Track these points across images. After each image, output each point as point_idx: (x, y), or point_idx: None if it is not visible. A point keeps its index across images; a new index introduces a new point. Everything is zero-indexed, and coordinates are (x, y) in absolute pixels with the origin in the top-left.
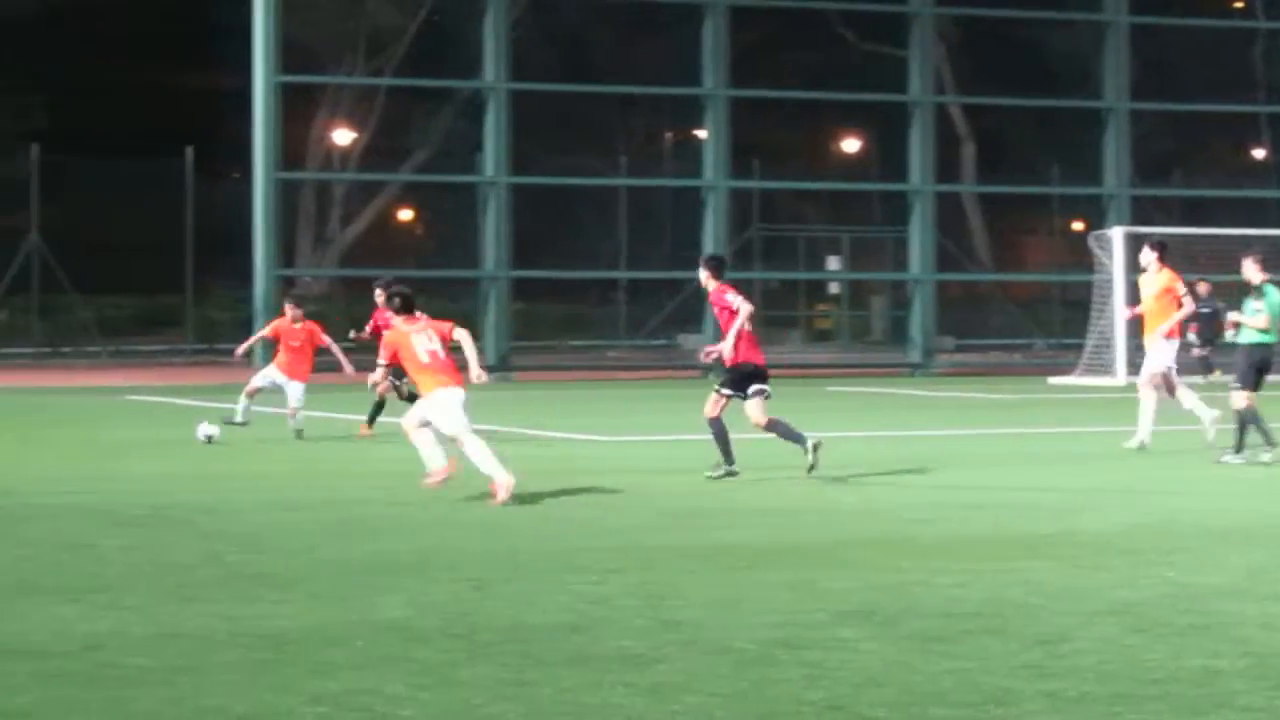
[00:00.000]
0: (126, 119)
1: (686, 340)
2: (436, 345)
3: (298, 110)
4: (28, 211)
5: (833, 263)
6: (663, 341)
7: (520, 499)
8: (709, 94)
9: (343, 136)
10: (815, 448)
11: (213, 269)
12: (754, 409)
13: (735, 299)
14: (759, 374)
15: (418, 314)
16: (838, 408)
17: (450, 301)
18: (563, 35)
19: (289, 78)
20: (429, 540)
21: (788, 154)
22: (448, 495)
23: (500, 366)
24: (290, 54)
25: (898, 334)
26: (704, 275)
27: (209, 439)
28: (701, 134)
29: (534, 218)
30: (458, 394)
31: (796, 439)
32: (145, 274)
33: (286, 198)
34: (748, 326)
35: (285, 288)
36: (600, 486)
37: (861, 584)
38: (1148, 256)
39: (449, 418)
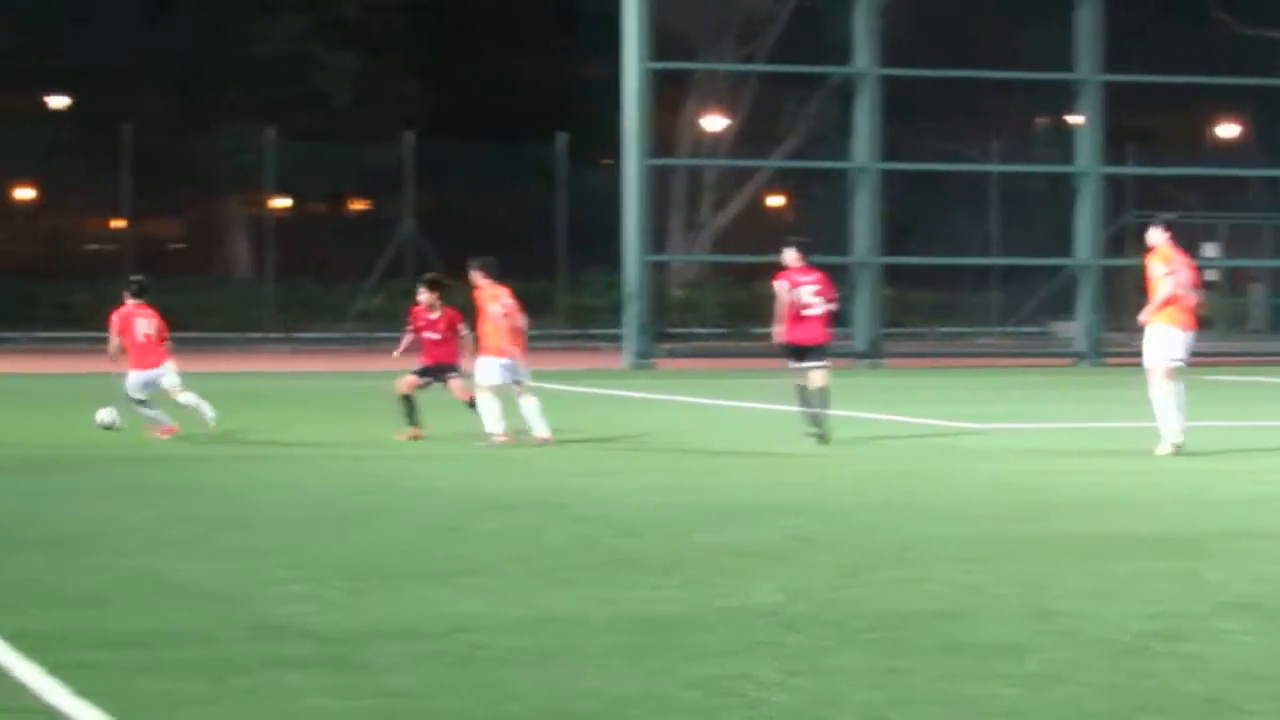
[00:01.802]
0: (499, 106)
1: (1060, 328)
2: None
3: (669, 97)
4: (403, 198)
5: (1209, 250)
6: (1035, 329)
7: (886, 486)
8: (1083, 79)
9: (714, 123)
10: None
11: (584, 255)
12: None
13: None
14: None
15: None
16: (1215, 397)
17: None
18: (934, 20)
19: (660, 64)
20: (797, 526)
21: (1164, 139)
22: (820, 482)
23: (871, 353)
24: (661, 40)
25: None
26: None
27: (108, 426)
28: (1076, 120)
29: (904, 203)
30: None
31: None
32: (519, 259)
33: (658, 184)
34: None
35: (655, 271)
36: (969, 474)
37: (1244, 575)
38: None
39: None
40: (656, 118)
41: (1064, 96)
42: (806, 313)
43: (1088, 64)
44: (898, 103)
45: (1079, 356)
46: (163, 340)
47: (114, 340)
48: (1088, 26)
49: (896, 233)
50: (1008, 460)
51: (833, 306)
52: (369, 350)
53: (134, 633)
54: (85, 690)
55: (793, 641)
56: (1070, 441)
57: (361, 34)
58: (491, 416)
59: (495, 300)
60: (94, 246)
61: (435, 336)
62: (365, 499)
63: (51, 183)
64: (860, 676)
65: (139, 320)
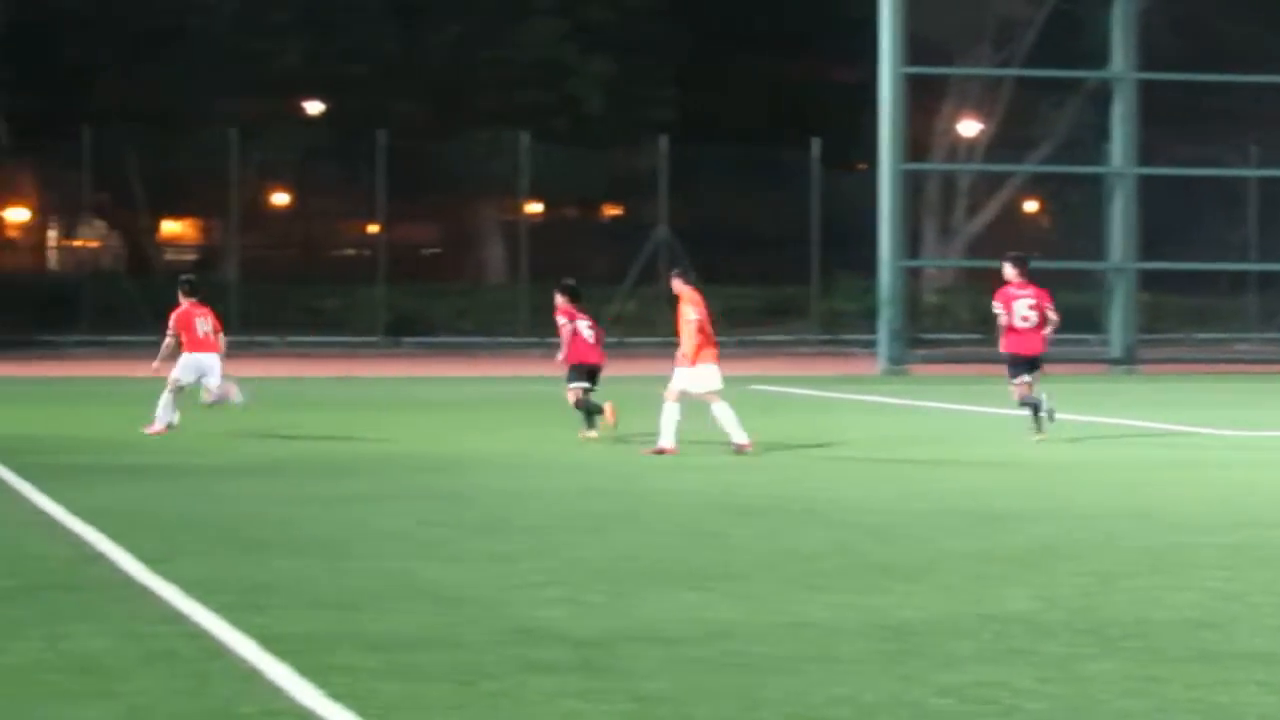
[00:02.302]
0: (752, 111)
1: None
2: None
3: (923, 101)
4: (656, 203)
5: None
6: None
7: (1138, 493)
8: None
9: (968, 127)
10: None
11: (838, 260)
12: None
13: None
14: None
15: None
16: None
17: (1075, 293)
18: (1189, 22)
19: (914, 69)
20: (1050, 533)
21: None
22: (1071, 489)
23: (1126, 359)
24: (916, 45)
25: None
26: None
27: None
28: None
29: (1159, 208)
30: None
31: None
32: (772, 264)
33: (912, 189)
34: None
35: (908, 277)
36: (1223, 481)
37: None
38: None
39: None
40: (912, 122)
41: None
42: (1022, 325)
43: None
44: (1154, 106)
45: None
46: (218, 336)
47: (170, 340)
48: None
49: (1151, 238)
50: (1264, 468)
51: (1054, 318)
52: (622, 355)
53: (385, 636)
54: (337, 693)
55: (1047, 649)
56: None
57: (615, 39)
58: (669, 427)
59: (694, 306)
60: (347, 251)
61: (589, 339)
62: (617, 503)
63: (306, 188)
64: (1115, 684)
65: (198, 319)
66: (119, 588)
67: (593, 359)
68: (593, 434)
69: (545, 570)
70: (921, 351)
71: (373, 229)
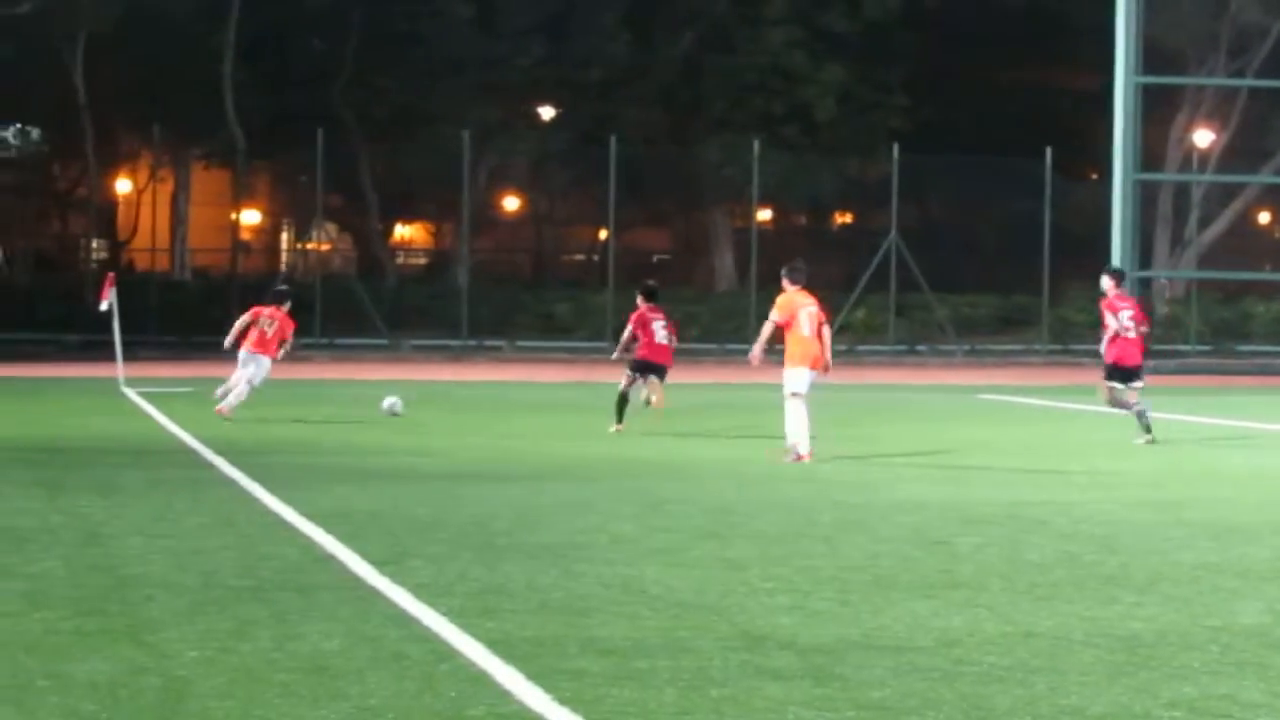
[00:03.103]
0: (985, 119)
1: None
2: None
3: (1157, 111)
4: (888, 210)
5: None
6: None
7: None
8: None
9: (1202, 137)
10: None
11: (1069, 270)
12: None
13: None
14: None
15: None
16: None
17: None
18: None
19: (1149, 79)
20: None
21: None
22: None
23: None
24: (1151, 54)
25: None
26: None
27: (393, 413)
28: None
29: None
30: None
31: None
32: (1002, 273)
33: (1145, 199)
34: None
35: (1140, 288)
36: None
37: None
38: None
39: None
40: (1146, 132)
41: None
42: (1126, 335)
43: None
44: None
45: None
46: (280, 342)
47: (242, 322)
48: None
49: None
50: None
51: (1144, 329)
52: (851, 364)
53: (614, 640)
54: (565, 697)
55: (1277, 662)
56: None
57: (847, 47)
58: (799, 430)
59: (778, 309)
60: (577, 257)
61: (663, 341)
62: (846, 513)
63: (537, 193)
64: None
65: (262, 318)
66: (349, 589)
67: (660, 359)
68: (619, 427)
69: (774, 577)
70: (1153, 363)
71: (603, 234)
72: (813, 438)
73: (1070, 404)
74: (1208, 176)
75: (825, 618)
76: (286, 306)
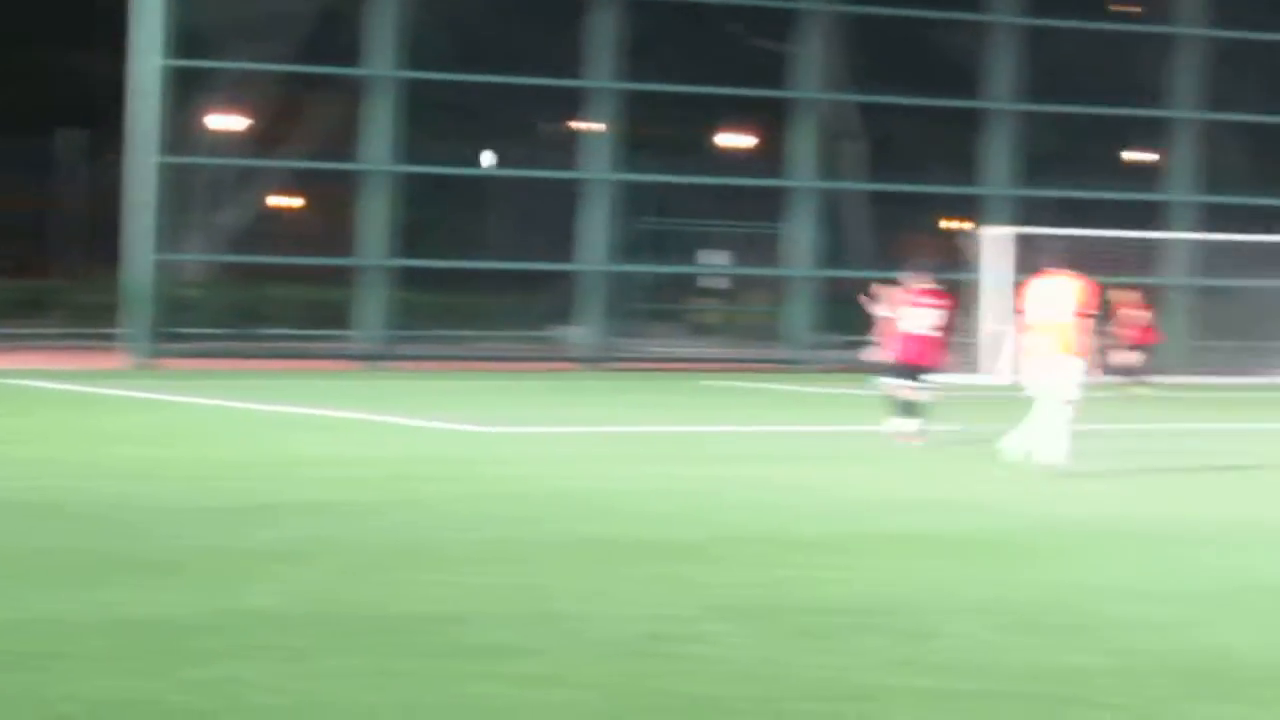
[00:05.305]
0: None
1: (565, 332)
2: None
3: (192, 95)
4: None
5: (714, 258)
6: (542, 333)
7: (388, 491)
8: (599, 87)
9: (236, 122)
10: None
11: (101, 253)
12: None
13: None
14: None
15: None
16: (711, 403)
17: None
18: (455, 23)
19: (178, 61)
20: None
21: (681, 149)
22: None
23: (380, 356)
24: (185, 38)
25: (781, 330)
26: None
27: None
28: (582, 126)
29: (422, 206)
30: None
31: None
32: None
33: (177, 183)
34: None
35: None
36: (473, 477)
37: (735, 580)
38: None
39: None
40: (176, 115)
41: (575, 102)
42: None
43: (605, 70)
44: (418, 106)
45: (586, 360)
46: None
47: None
48: (602, 32)
49: (409, 236)
50: (516, 464)
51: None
52: None
53: None
54: None
55: (287, 643)
56: (581, 445)
57: None
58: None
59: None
60: None
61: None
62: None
63: None
64: (356, 679)
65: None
66: None
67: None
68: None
69: None
70: (176, 345)
71: None
72: None
73: (94, 388)
74: (231, 160)
75: None
76: None
